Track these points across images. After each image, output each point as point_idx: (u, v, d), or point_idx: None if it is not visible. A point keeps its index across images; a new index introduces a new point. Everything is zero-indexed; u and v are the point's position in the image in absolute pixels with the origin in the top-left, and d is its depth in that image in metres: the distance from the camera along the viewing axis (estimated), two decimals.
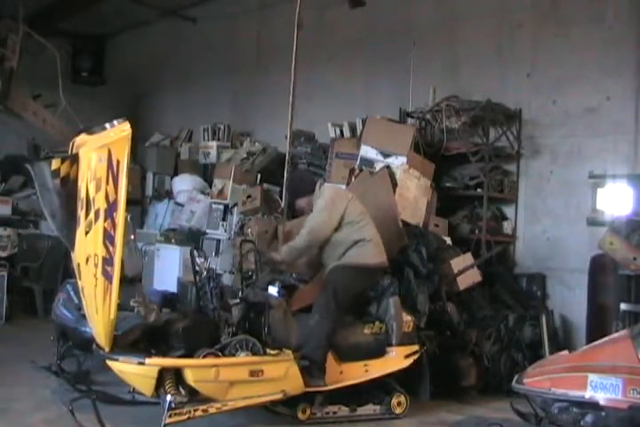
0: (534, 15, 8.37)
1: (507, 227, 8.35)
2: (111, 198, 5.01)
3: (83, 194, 5.11)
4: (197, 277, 5.92)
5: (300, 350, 5.77)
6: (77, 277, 5.32)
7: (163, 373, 5.24)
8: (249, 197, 8.78)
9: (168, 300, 7.43)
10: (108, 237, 5.01)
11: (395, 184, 7.44)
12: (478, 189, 8.14)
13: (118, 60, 14.05)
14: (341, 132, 9.02)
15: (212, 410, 5.36)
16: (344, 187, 7.70)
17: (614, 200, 7.54)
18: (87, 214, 5.06)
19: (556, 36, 8.11)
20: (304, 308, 6.19)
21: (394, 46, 9.46)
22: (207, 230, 9.42)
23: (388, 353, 6.11)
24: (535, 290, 7.99)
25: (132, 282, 5.87)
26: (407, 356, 6.13)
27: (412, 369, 6.16)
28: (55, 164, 5.18)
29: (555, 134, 8.10)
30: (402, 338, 6.12)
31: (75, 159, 5.19)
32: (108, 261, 4.99)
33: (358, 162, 8.00)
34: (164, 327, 5.58)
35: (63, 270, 9.71)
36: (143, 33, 13.61)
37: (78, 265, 5.23)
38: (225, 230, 9.15)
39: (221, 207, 9.40)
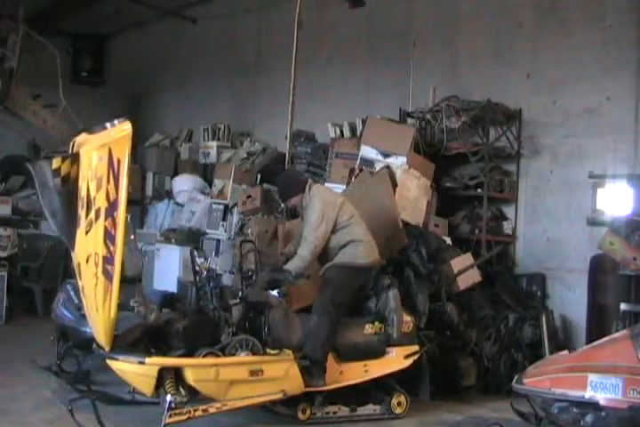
0: (534, 15, 8.37)
1: (507, 227, 8.34)
2: (112, 197, 5.00)
3: (83, 193, 5.10)
4: (197, 277, 5.91)
5: (301, 350, 5.77)
6: (78, 276, 5.32)
7: (163, 372, 5.25)
8: (249, 197, 8.78)
9: (168, 300, 7.42)
10: (109, 236, 5.00)
11: (395, 184, 7.44)
12: (478, 189, 8.14)
13: (118, 60, 14.06)
14: (341, 132, 9.01)
15: (211, 410, 5.37)
16: (343, 187, 7.70)
17: (614, 200, 7.53)
18: (88, 213, 5.06)
19: (556, 36, 8.10)
20: (304, 308, 6.19)
21: (394, 46, 9.47)
22: (207, 230, 9.41)
23: (387, 353, 6.10)
24: (535, 290, 7.98)
25: (132, 282, 5.86)
26: (407, 356, 6.12)
27: (412, 369, 6.16)
28: (56, 163, 5.17)
29: (555, 134, 8.10)
30: (402, 337, 6.11)
31: (75, 158, 5.19)
32: (108, 260, 4.99)
33: (358, 162, 8.00)
34: (164, 327, 5.58)
35: (63, 270, 9.72)
36: (143, 33, 13.61)
37: (79, 264, 5.22)
38: (225, 230, 9.15)
39: (221, 207, 9.39)
